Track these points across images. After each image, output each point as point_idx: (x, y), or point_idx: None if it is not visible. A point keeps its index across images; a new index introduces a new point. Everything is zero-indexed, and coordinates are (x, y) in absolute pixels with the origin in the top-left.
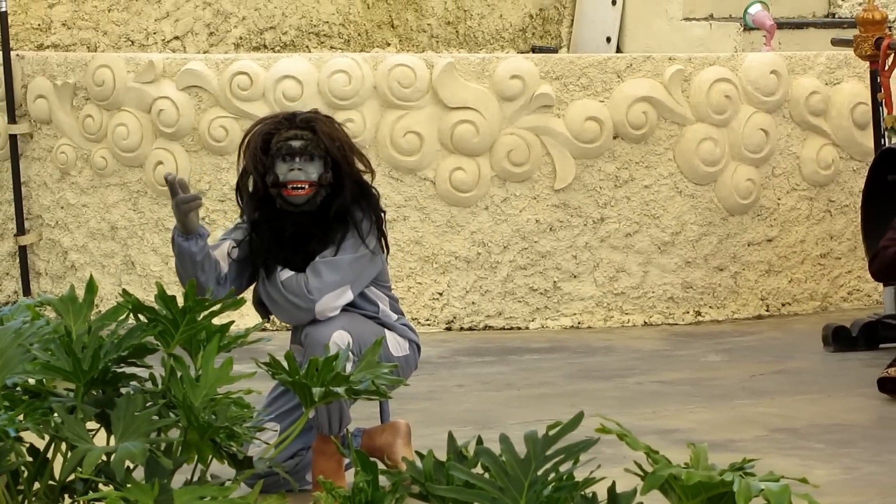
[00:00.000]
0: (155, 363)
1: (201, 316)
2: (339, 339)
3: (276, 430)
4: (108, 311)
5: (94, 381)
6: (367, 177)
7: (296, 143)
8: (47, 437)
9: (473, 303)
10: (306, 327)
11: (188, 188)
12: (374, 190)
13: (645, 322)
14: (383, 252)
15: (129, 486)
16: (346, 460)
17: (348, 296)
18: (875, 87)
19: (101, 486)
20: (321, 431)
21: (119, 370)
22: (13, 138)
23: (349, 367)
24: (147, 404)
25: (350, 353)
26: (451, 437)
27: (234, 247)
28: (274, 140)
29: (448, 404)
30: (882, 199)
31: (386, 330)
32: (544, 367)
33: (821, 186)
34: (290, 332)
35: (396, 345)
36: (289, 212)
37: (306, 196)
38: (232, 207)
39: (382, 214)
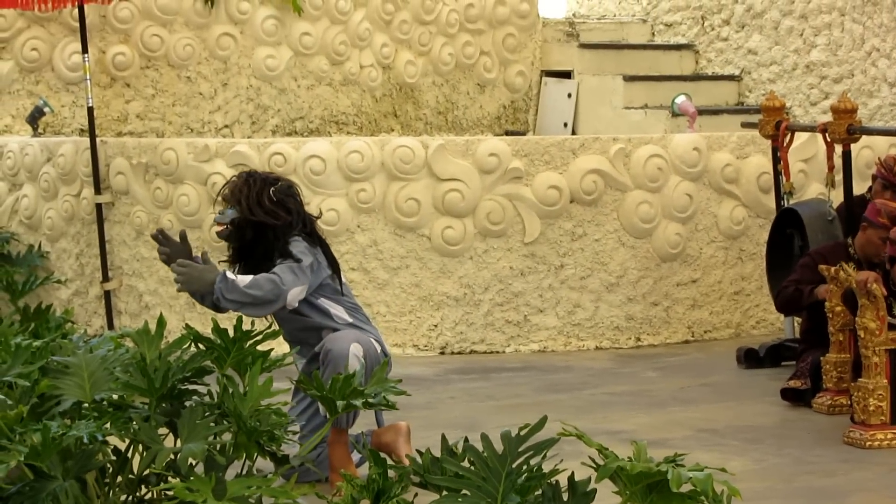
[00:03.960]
0: (212, 382)
1: (248, 344)
2: (356, 350)
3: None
4: (174, 341)
5: (163, 396)
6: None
7: (222, 196)
8: (127, 440)
9: (461, 332)
10: (325, 344)
11: (169, 238)
12: (286, 227)
13: (597, 347)
14: (309, 264)
15: (191, 478)
16: (358, 456)
17: (304, 292)
18: (776, 160)
19: (170, 478)
20: (339, 426)
21: (183, 387)
22: (99, 206)
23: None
24: (206, 414)
25: (362, 360)
26: (443, 438)
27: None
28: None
29: (442, 412)
30: (782, 248)
31: (352, 347)
32: (517, 382)
33: (734, 238)
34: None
35: (353, 358)
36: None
37: (224, 233)
38: None
39: (286, 234)
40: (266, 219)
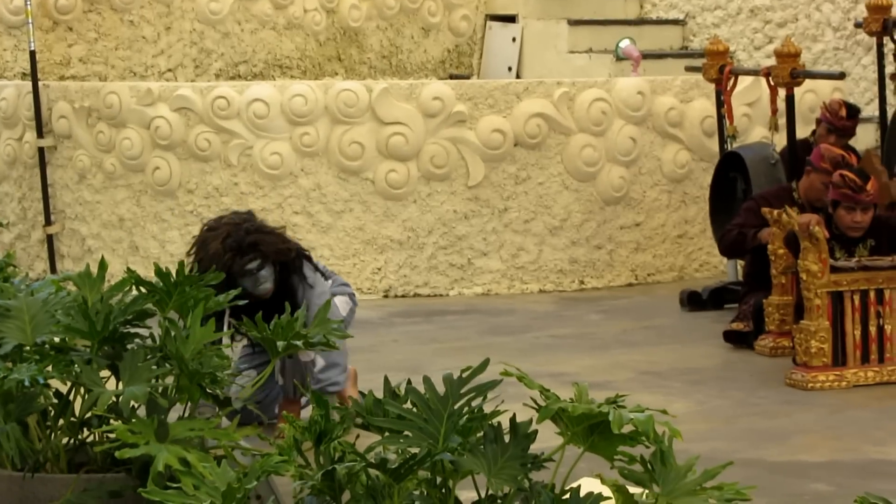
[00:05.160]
0: (153, 325)
1: (189, 287)
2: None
3: (251, 377)
4: (116, 284)
5: (105, 339)
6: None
7: (253, 265)
8: (69, 383)
9: (405, 276)
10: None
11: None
12: (290, 245)
13: (540, 290)
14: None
15: (133, 420)
16: (304, 399)
17: (344, 300)
18: (719, 104)
19: (112, 421)
20: (288, 396)
21: (125, 330)
22: (41, 150)
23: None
24: (147, 357)
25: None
26: (386, 380)
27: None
28: (234, 269)
29: (385, 355)
30: (725, 192)
31: (335, 298)
32: (461, 325)
33: (677, 182)
34: None
35: (342, 304)
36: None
37: (271, 292)
38: (214, 203)
39: (302, 254)
40: (287, 249)
